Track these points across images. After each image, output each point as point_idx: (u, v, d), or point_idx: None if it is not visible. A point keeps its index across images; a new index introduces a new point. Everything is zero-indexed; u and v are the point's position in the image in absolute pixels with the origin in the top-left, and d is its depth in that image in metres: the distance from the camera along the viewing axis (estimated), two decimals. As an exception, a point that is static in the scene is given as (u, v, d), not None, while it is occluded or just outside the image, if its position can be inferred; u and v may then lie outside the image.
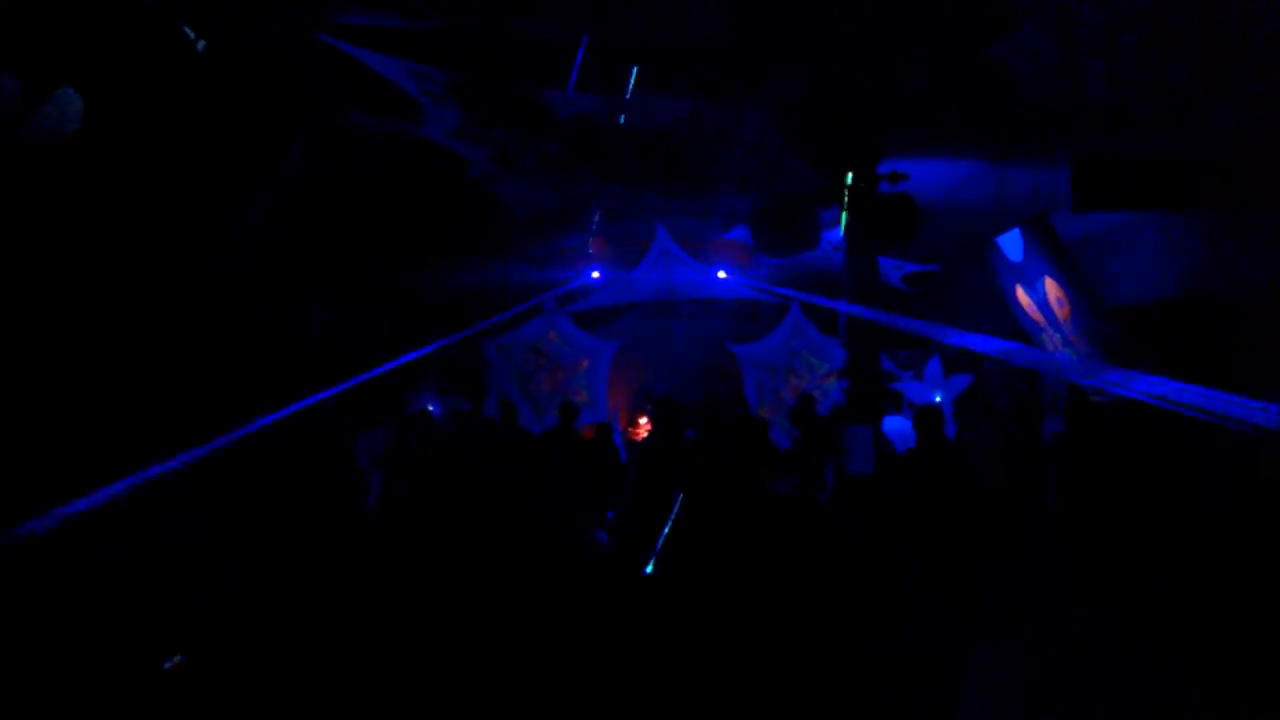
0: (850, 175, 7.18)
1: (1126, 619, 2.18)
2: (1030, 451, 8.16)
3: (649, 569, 4.79)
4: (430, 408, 11.58)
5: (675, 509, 4.87)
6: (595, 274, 12.46)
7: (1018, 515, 6.22)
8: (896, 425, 9.43)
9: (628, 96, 6.93)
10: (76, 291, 5.59)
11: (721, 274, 12.53)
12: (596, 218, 10.89)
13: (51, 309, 5.48)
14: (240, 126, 6.08)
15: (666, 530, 4.82)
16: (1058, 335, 8.91)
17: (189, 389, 6.55)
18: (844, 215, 7.27)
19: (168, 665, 4.67)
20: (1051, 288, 8.52)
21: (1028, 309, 9.20)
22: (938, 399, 10.88)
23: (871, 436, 6.45)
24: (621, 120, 7.49)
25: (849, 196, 7.19)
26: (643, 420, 11.38)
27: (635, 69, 6.49)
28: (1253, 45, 5.28)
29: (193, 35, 5.48)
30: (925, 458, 6.21)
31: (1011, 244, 8.80)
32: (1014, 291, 9.27)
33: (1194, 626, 2.14)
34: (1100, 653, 2.08)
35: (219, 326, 7.41)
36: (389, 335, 10.60)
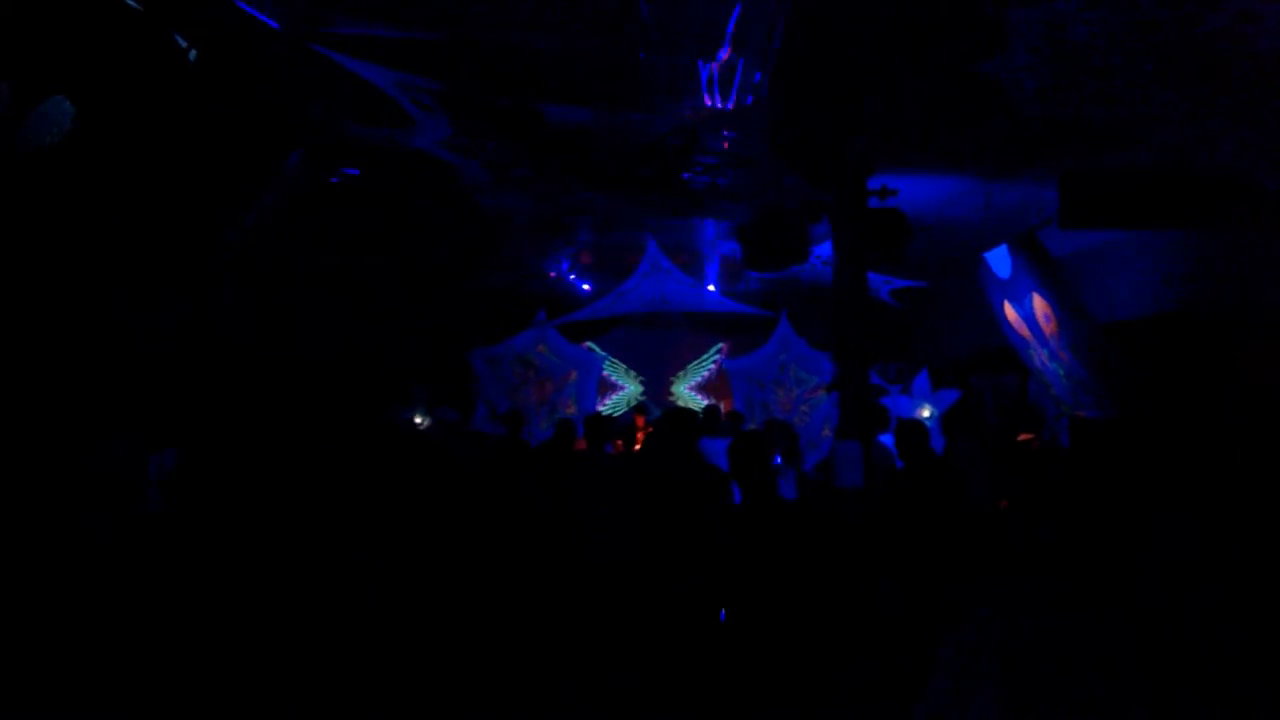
0: (840, 190, 7.19)
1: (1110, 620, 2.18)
2: (1019, 467, 8.16)
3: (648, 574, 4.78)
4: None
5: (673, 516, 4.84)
6: (585, 286, 12.47)
7: (1005, 531, 6.21)
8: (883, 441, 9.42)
9: (621, 105, 6.94)
10: (64, 294, 5.57)
11: (711, 287, 12.55)
12: (587, 230, 10.90)
13: (40, 311, 5.46)
14: (235, 136, 6.07)
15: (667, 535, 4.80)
16: (1044, 351, 8.94)
17: (187, 389, 6.52)
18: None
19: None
20: (1039, 304, 8.55)
21: (1015, 325, 9.23)
22: (927, 413, 10.90)
23: (860, 451, 6.41)
24: (613, 131, 7.50)
25: (838, 211, 7.20)
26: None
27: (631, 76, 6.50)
28: (1241, 65, 5.34)
29: (184, 43, 5.47)
30: (910, 473, 6.18)
31: (999, 260, 8.84)
32: (1002, 307, 9.31)
33: (1182, 639, 2.14)
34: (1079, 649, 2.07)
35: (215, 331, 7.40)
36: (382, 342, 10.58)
